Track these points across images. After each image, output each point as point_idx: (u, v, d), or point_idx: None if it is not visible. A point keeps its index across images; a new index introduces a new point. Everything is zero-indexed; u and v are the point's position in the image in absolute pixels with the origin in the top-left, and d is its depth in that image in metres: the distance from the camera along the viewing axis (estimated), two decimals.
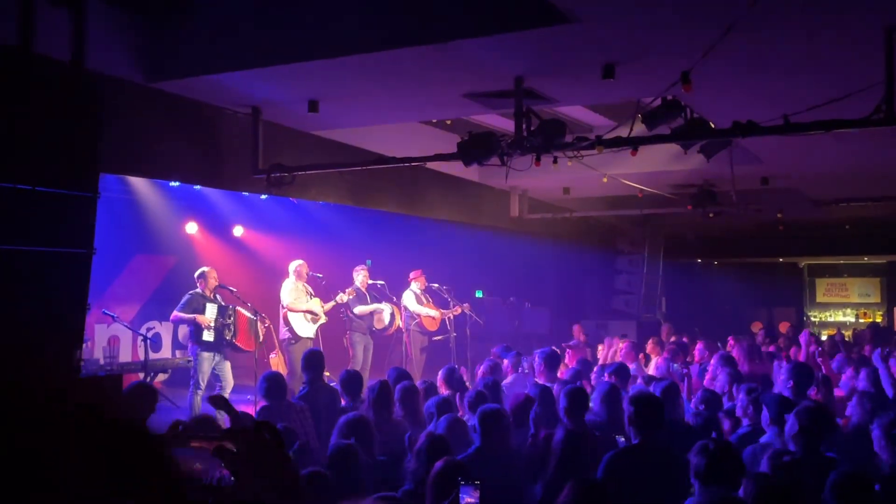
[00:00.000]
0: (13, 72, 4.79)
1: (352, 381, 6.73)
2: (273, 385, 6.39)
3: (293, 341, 9.77)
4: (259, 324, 9.18)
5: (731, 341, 10.04)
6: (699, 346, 9.80)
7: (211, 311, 8.77)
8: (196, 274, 9.02)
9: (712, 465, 3.78)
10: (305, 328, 9.87)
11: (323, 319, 10.09)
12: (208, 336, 8.71)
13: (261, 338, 9.18)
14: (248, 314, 9.07)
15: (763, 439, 5.12)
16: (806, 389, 6.31)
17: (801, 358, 8.15)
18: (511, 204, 13.59)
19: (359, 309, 10.64)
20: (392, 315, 11.08)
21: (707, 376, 7.73)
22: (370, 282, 11.00)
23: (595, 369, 7.65)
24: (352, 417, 5.15)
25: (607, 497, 3.62)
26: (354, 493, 4.07)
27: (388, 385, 6.23)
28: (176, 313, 8.82)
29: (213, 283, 8.96)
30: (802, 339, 8.56)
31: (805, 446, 4.49)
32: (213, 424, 5.33)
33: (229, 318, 8.87)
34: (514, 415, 5.72)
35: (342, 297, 10.32)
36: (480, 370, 7.87)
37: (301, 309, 9.84)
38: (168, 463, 0.99)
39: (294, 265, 10.00)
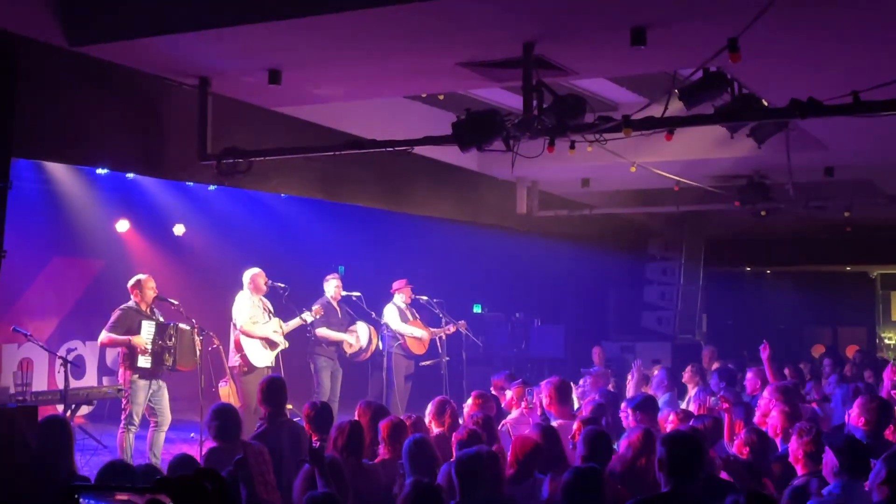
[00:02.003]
0: None
1: (320, 415, 6.72)
2: (224, 422, 6.37)
3: (245, 370, 9.73)
4: (196, 337, 9.08)
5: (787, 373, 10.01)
6: (750, 374, 9.81)
7: (147, 330, 8.73)
8: (130, 283, 8.98)
9: None
10: (262, 356, 9.80)
11: (283, 345, 10.02)
12: (144, 362, 8.67)
13: (197, 354, 9.07)
14: (187, 327, 9.03)
15: (826, 490, 5.13)
16: (883, 429, 6.33)
17: (883, 395, 8.19)
18: (518, 198, 13.62)
19: (322, 332, 10.62)
20: (368, 337, 11.06)
21: (757, 413, 7.74)
22: (344, 294, 11.00)
23: (624, 404, 7.67)
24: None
25: None
26: None
27: (359, 426, 6.18)
28: (106, 335, 8.75)
29: (150, 294, 8.92)
30: (886, 376, 8.63)
31: (893, 497, 4.51)
32: (132, 476, 5.32)
33: (170, 339, 8.82)
34: (519, 464, 5.70)
35: (307, 317, 10.29)
36: (467, 405, 7.84)
37: (258, 335, 9.77)
38: None
39: (249, 275, 9.96)
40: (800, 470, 5.64)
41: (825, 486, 5.24)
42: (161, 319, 8.95)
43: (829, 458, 5.30)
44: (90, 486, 1.21)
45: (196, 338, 9.07)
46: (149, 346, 8.67)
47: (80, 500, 1.24)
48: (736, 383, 9.68)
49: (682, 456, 4.68)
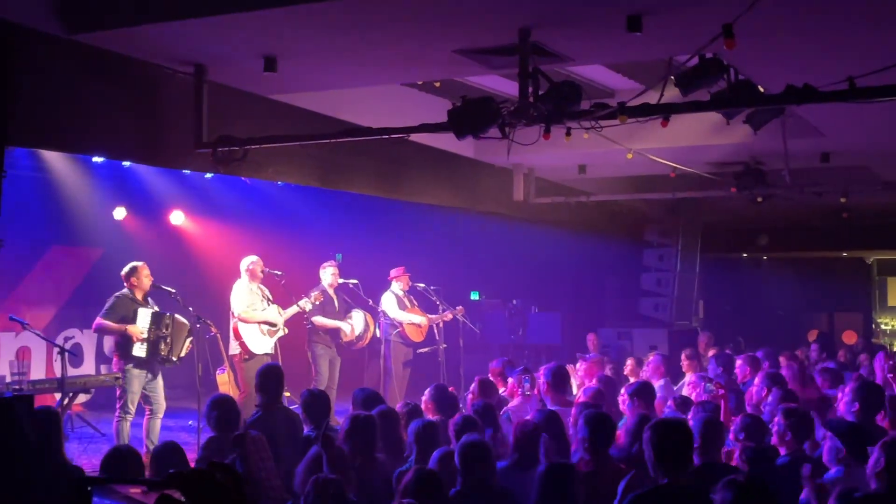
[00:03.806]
0: None
1: (316, 403, 6.72)
2: (224, 413, 6.38)
3: (246, 358, 9.75)
4: (186, 337, 9.07)
5: (783, 362, 10.08)
6: (739, 361, 9.84)
7: (143, 318, 8.73)
8: (124, 271, 8.97)
9: (741, 502, 3.83)
10: (261, 343, 9.84)
11: (282, 331, 10.05)
12: (139, 350, 8.68)
13: (184, 350, 9.05)
14: (184, 320, 9.02)
15: (828, 476, 5.16)
16: (874, 414, 6.36)
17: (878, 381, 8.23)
18: (514, 185, 13.61)
19: (318, 320, 10.61)
20: (365, 324, 11.05)
21: (748, 398, 7.78)
22: (340, 281, 11.00)
23: (623, 391, 7.69)
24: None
25: None
26: None
27: (374, 421, 6.04)
28: (100, 321, 8.76)
29: (145, 282, 8.92)
30: (878, 363, 8.66)
31: (893, 485, 4.52)
32: (139, 461, 5.33)
33: (165, 329, 8.82)
34: (519, 449, 5.71)
35: (306, 304, 10.29)
36: (471, 391, 7.87)
37: (256, 319, 9.81)
38: None
39: (247, 262, 9.98)
40: (783, 450, 5.68)
41: (813, 467, 5.27)
42: (156, 308, 8.95)
43: (832, 443, 5.33)
44: (102, 479, 1.20)
45: (189, 338, 9.05)
46: (145, 335, 8.68)
47: (94, 496, 1.22)
48: (733, 370, 9.70)
49: (675, 444, 4.66)
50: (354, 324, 10.96)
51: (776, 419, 5.89)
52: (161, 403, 8.85)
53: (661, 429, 4.72)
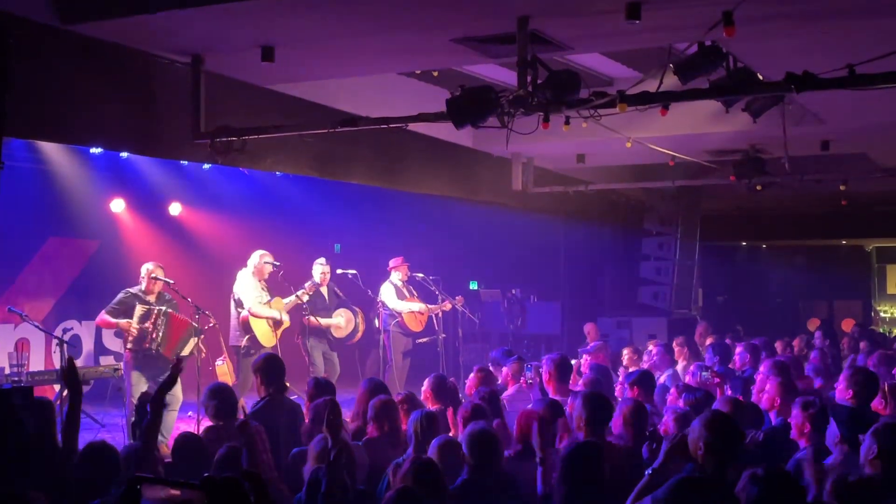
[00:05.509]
0: None
1: (322, 392, 6.72)
2: (223, 401, 6.40)
3: (252, 351, 9.73)
4: (193, 337, 9.05)
5: (778, 347, 10.11)
6: (739, 349, 9.85)
7: (137, 313, 8.76)
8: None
9: (768, 496, 3.80)
10: (269, 336, 9.87)
11: (286, 324, 10.07)
12: (130, 344, 8.75)
13: (186, 349, 9.00)
14: (183, 317, 8.95)
15: (828, 461, 5.17)
16: (869, 401, 6.36)
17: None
18: (513, 175, 13.60)
19: (310, 320, 10.56)
20: (353, 326, 10.95)
21: (755, 388, 7.78)
22: (339, 272, 10.97)
23: (620, 379, 7.69)
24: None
25: None
26: None
27: (335, 405, 6.10)
28: (100, 315, 8.81)
29: (149, 281, 8.97)
30: (871, 362, 8.72)
31: (887, 472, 4.52)
32: (152, 459, 5.33)
33: (150, 322, 8.77)
34: (523, 440, 5.70)
35: (303, 296, 10.27)
36: (469, 381, 7.87)
37: (265, 315, 9.83)
38: None
39: (255, 258, 9.97)
40: (803, 443, 5.66)
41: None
42: (151, 306, 8.86)
43: (832, 429, 5.34)
44: (150, 479, 1.21)
45: (193, 338, 9.02)
46: (135, 330, 8.69)
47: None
48: (730, 358, 9.71)
49: (729, 437, 4.64)
50: (344, 324, 10.87)
51: (793, 412, 5.86)
52: (176, 396, 8.83)
53: (714, 422, 4.69)
